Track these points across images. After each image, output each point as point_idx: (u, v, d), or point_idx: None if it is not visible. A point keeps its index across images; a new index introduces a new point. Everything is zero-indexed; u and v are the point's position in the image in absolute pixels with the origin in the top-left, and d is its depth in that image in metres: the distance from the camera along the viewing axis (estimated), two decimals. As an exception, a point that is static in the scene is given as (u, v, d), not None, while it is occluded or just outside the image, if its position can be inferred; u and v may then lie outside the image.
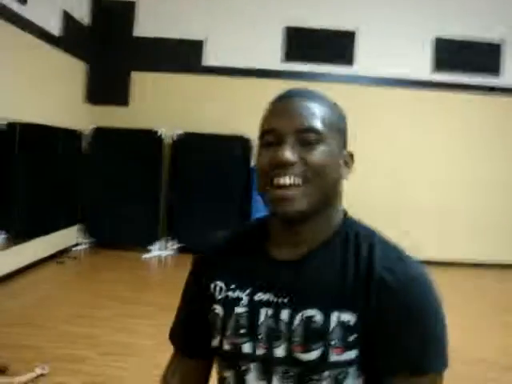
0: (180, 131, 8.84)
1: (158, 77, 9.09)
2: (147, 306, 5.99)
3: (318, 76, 8.82)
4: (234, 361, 1.14)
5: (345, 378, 1.06)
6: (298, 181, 1.07)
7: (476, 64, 9.07)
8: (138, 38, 9.05)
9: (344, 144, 1.18)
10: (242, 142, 8.81)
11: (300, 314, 1.07)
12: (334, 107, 1.17)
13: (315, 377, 1.06)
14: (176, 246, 8.72)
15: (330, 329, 1.05)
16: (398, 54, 9.01)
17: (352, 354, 1.05)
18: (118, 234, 8.69)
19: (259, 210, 8.54)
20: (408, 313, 1.03)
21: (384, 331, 1.03)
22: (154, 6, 9.02)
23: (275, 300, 1.11)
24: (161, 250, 8.64)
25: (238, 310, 1.14)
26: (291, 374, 1.08)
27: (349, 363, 1.05)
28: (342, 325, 1.05)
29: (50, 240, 7.82)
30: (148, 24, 9.04)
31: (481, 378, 4.55)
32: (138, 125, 8.83)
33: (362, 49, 9.02)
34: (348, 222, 1.18)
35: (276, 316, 1.09)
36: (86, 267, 8.02)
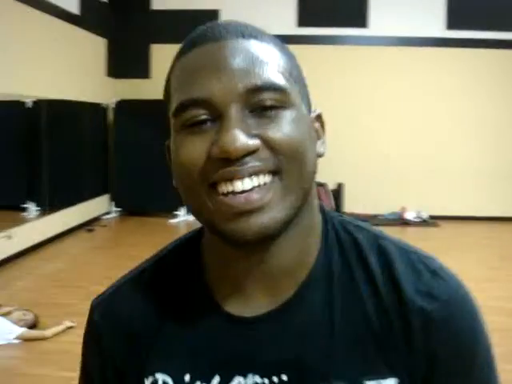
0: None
1: (177, 48, 9.34)
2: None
3: (332, 39, 8.99)
4: None
5: None
6: (268, 177, 0.68)
7: (491, 19, 9.08)
8: (156, 12, 9.32)
9: (309, 103, 0.77)
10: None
11: None
12: (284, 47, 0.76)
13: None
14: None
15: None
16: (410, 12, 9.09)
17: None
18: (145, 202, 9.09)
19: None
20: (463, 354, 0.73)
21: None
22: (169, -21, 9.25)
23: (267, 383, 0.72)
24: (186, 216, 9.02)
25: None
26: None
27: None
28: None
29: (80, 210, 8.25)
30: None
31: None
32: (161, 96, 9.11)
33: (374, 10, 9.13)
34: (331, 221, 0.80)
35: None
36: (114, 234, 8.46)
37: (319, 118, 0.79)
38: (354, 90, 9.13)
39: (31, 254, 6.73)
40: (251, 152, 0.66)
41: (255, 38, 0.72)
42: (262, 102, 0.68)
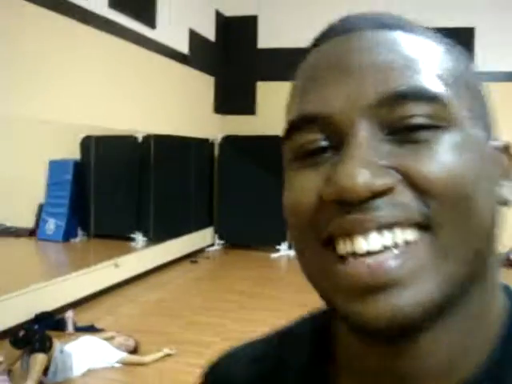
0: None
1: (282, 85, 9.53)
2: (271, 300, 6.42)
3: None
4: None
5: None
6: (409, 233, 0.45)
7: None
8: (261, 50, 9.58)
9: (487, 124, 0.52)
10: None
11: None
12: (449, 43, 0.52)
13: None
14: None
15: None
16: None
17: None
18: (248, 235, 9.23)
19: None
20: None
21: None
22: (274, 18, 9.50)
23: None
24: (288, 250, 9.04)
25: None
26: None
27: None
28: None
29: (184, 241, 8.50)
30: (269, 36, 9.54)
31: None
32: (265, 132, 9.34)
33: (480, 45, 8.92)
34: None
35: None
36: (217, 266, 8.63)
37: (507, 149, 0.52)
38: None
39: (136, 283, 6.99)
40: (382, 193, 0.44)
41: (402, 28, 0.50)
42: (406, 119, 0.45)
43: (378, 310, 0.44)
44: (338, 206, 0.45)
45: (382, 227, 0.45)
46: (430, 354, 0.49)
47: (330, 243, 0.47)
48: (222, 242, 9.42)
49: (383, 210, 0.44)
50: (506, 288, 0.54)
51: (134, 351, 4.55)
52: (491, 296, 0.51)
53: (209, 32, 9.21)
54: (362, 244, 0.45)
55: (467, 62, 0.52)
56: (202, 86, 9.10)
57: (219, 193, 9.45)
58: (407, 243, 0.45)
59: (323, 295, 0.49)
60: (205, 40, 9.03)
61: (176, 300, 6.43)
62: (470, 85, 0.50)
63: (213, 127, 9.38)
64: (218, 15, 9.48)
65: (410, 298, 0.44)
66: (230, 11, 9.63)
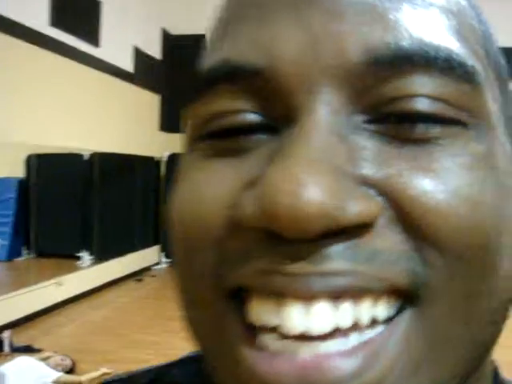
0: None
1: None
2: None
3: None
4: None
5: None
6: (384, 310, 0.26)
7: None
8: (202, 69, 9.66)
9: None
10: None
11: None
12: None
13: None
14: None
15: None
16: None
17: None
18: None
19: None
20: None
21: None
22: (221, 37, 9.60)
23: None
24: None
25: None
26: None
27: None
28: None
29: (130, 259, 8.45)
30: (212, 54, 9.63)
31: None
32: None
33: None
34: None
35: None
36: (162, 284, 8.58)
37: None
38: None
39: (80, 302, 6.91)
40: (350, 230, 0.25)
41: None
42: (409, 100, 0.27)
43: None
44: (265, 238, 0.26)
45: (339, 294, 0.26)
46: None
47: (237, 296, 0.28)
48: (168, 260, 9.40)
49: (347, 260, 0.25)
50: (495, 372, 0.38)
51: (71, 371, 4.50)
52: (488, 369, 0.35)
53: (155, 50, 9.24)
54: (296, 318, 0.26)
55: (492, 34, 0.33)
56: (147, 104, 9.11)
57: (165, 210, 9.44)
58: (376, 323, 0.27)
59: (208, 374, 0.32)
60: (150, 58, 9.06)
61: (118, 319, 6.38)
62: (498, 67, 0.32)
63: (159, 145, 9.39)
64: (165, 33, 9.52)
65: None
66: (176, 30, 9.68)
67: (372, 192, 0.26)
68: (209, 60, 0.31)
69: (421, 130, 0.27)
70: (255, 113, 0.29)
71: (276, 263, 0.25)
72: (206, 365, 0.32)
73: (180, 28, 9.67)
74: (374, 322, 0.26)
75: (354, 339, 0.26)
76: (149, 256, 9.14)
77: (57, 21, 6.24)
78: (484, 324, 0.28)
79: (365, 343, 0.26)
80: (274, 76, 0.27)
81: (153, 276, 8.76)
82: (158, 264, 9.33)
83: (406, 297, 0.26)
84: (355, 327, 0.26)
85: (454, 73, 0.27)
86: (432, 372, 0.27)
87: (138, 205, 8.80)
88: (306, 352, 0.25)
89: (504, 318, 0.30)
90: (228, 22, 0.31)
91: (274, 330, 0.26)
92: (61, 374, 4.38)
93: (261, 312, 0.27)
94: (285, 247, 0.25)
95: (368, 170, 0.26)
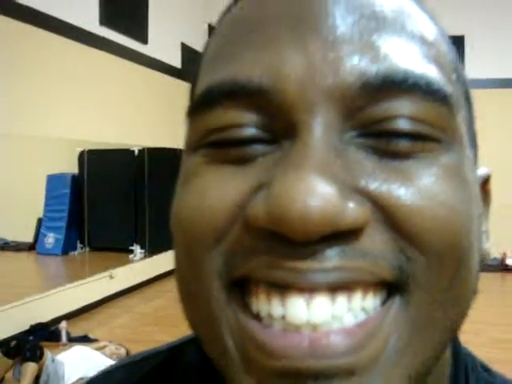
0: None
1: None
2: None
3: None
4: None
5: None
6: (376, 297, 0.31)
7: None
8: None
9: (474, 142, 0.38)
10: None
11: None
12: (432, 15, 0.38)
13: None
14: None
15: None
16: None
17: None
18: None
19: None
20: None
21: None
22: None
23: None
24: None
25: None
26: None
27: None
28: None
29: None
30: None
31: None
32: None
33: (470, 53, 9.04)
34: (464, 364, 0.44)
35: None
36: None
37: (486, 184, 0.41)
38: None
39: (132, 294, 7.09)
40: (346, 233, 0.29)
41: None
42: (394, 122, 0.31)
43: None
44: (270, 236, 0.30)
45: (336, 286, 0.30)
46: None
47: (241, 290, 0.32)
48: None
49: (343, 258, 0.29)
50: (455, 346, 0.44)
51: (125, 359, 4.64)
52: (446, 357, 0.42)
53: (201, 45, 9.30)
54: (300, 310, 0.30)
55: (450, 41, 0.38)
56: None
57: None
58: (368, 311, 0.31)
59: (215, 361, 0.35)
60: (197, 53, 9.16)
61: (169, 311, 6.49)
62: (465, 90, 0.37)
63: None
64: (211, 28, 9.61)
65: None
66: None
67: (364, 200, 0.30)
68: (212, 77, 0.34)
69: (403, 145, 0.31)
70: (257, 127, 0.32)
71: (281, 259, 0.29)
72: (209, 353, 0.36)
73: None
74: (365, 311, 0.32)
75: (349, 321, 0.31)
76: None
77: (106, 20, 6.39)
78: (458, 310, 0.34)
79: (359, 325, 0.31)
80: (278, 95, 0.31)
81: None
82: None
83: (393, 288, 0.31)
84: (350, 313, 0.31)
85: (432, 97, 0.31)
86: (418, 351, 0.31)
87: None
88: (311, 331, 0.30)
89: (469, 307, 0.35)
90: (231, 44, 0.34)
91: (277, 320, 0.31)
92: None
93: (265, 304, 0.31)
94: (289, 246, 0.29)
95: (360, 180, 0.30)
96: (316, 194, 0.28)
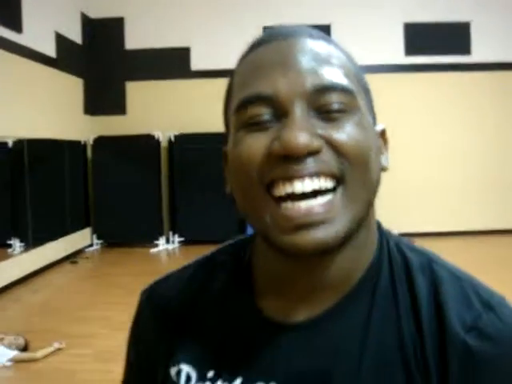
0: (175, 133, 9.56)
1: (151, 84, 9.80)
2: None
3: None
4: None
5: None
6: (330, 182, 0.64)
7: (446, 45, 9.65)
8: (130, 51, 9.76)
9: (373, 114, 0.73)
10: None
11: None
12: (349, 53, 0.73)
13: None
14: (179, 239, 9.49)
15: None
16: (372, 41, 9.62)
17: None
18: (126, 233, 9.40)
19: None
20: None
21: None
22: (141, 19, 9.70)
23: None
24: (166, 244, 9.33)
25: None
26: None
27: None
28: None
29: (62, 243, 8.55)
30: (137, 37, 9.76)
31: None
32: (137, 131, 9.53)
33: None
34: (387, 239, 0.75)
35: None
36: (97, 264, 8.75)
37: (383, 133, 0.74)
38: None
39: (17, 287, 7.01)
40: (314, 152, 0.62)
41: (323, 39, 0.69)
42: (329, 104, 0.64)
43: (308, 241, 0.62)
44: (282, 160, 0.62)
45: (312, 175, 0.62)
46: (334, 268, 0.68)
47: (271, 190, 0.64)
48: (100, 241, 9.53)
49: (313, 163, 0.62)
50: (378, 223, 0.76)
51: (25, 349, 4.68)
52: (371, 229, 0.73)
53: (75, 34, 9.25)
54: (299, 186, 0.62)
55: (359, 68, 0.72)
56: (71, 88, 9.14)
57: (95, 193, 9.53)
58: (329, 189, 0.63)
59: (260, 229, 0.67)
60: (72, 42, 9.08)
61: (59, 299, 6.54)
62: (362, 82, 0.71)
63: (84, 129, 9.45)
64: (84, 17, 9.54)
65: (331, 232, 0.62)
66: (95, 13, 9.71)
67: (319, 139, 0.63)
68: (245, 92, 0.67)
69: (335, 115, 0.65)
70: (269, 114, 0.65)
71: (288, 167, 0.63)
72: (259, 225, 0.67)
73: (98, 12, 9.70)
74: (327, 191, 0.64)
75: (321, 200, 0.63)
76: (81, 239, 9.24)
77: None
78: (370, 190, 0.67)
79: (325, 203, 0.63)
80: (277, 98, 0.64)
81: (87, 258, 8.89)
82: (90, 246, 9.44)
83: (337, 180, 0.64)
84: (319, 193, 0.63)
85: (344, 91, 0.65)
86: (353, 211, 0.65)
87: (67, 189, 8.84)
88: (303, 205, 0.63)
89: (377, 189, 0.68)
90: (250, 76, 0.68)
91: (289, 197, 0.63)
92: (15, 352, 4.56)
93: (283, 188, 0.63)
94: (290, 161, 0.62)
95: (318, 130, 0.64)
96: (302, 135, 0.61)
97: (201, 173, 9.37)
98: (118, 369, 4.28)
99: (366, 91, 0.71)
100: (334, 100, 0.64)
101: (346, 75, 0.66)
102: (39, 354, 4.59)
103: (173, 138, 9.56)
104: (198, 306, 0.76)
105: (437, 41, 9.60)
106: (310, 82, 0.64)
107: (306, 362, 0.67)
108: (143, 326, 0.82)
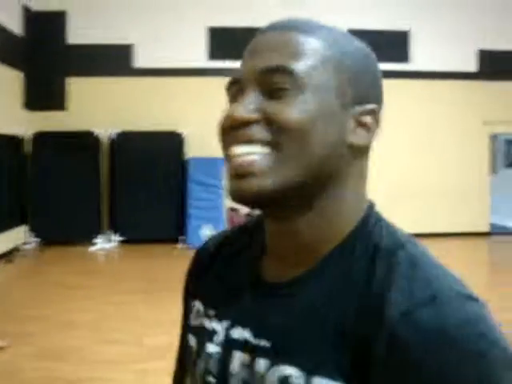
0: (116, 131, 9.44)
1: (92, 81, 9.65)
2: (90, 289, 6.69)
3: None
4: None
5: None
6: (261, 148, 0.73)
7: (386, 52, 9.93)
8: (71, 46, 9.58)
9: (358, 95, 0.77)
10: (173, 137, 9.53)
11: (276, 370, 0.73)
12: (341, 42, 0.78)
13: None
14: (118, 238, 9.34)
15: None
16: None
17: None
18: (63, 231, 9.21)
19: (195, 200, 9.22)
20: None
21: None
22: (84, 14, 9.55)
23: (254, 342, 0.78)
24: (105, 243, 9.19)
25: (210, 348, 0.83)
26: None
27: None
28: None
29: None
30: (80, 32, 9.60)
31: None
32: (76, 127, 9.38)
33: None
34: (368, 223, 0.78)
35: (251, 366, 0.77)
36: (34, 263, 8.53)
37: (373, 112, 0.78)
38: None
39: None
40: (251, 123, 0.73)
41: (298, 30, 0.77)
42: (272, 84, 0.73)
43: (244, 188, 0.73)
44: (230, 129, 0.74)
45: (246, 142, 0.73)
46: (304, 231, 0.77)
47: (228, 151, 0.76)
48: (37, 239, 9.29)
49: (248, 132, 0.73)
50: (370, 206, 0.80)
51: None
52: (341, 201, 0.78)
53: (16, 26, 9.01)
54: (234, 150, 0.74)
55: (356, 53, 0.78)
56: (9, 81, 8.90)
57: (31, 190, 9.29)
58: (260, 154, 0.73)
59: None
60: (12, 34, 8.84)
61: (-2, 297, 6.36)
62: (343, 65, 0.76)
63: (23, 123, 9.21)
64: (26, 10, 9.30)
65: (256, 183, 0.73)
66: (37, 6, 9.49)
67: (260, 113, 0.73)
68: (230, 76, 0.80)
69: (278, 93, 0.73)
70: (240, 90, 0.77)
71: (231, 135, 0.75)
72: None
73: (41, 4, 9.48)
74: (262, 153, 0.73)
75: (249, 158, 0.73)
76: (16, 236, 8.99)
77: None
78: (312, 162, 0.73)
79: (258, 159, 0.73)
80: (242, 80, 0.76)
81: (23, 256, 8.66)
82: (26, 244, 9.19)
83: (271, 146, 0.72)
84: (254, 154, 0.73)
85: (286, 72, 0.73)
86: (283, 173, 0.73)
87: (2, 184, 8.58)
88: (242, 159, 0.73)
89: (317, 162, 0.73)
90: (242, 59, 0.80)
91: (234, 156, 0.74)
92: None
93: (231, 150, 0.75)
94: (233, 130, 0.74)
95: (262, 105, 0.73)
96: (237, 110, 0.73)
97: (142, 171, 9.30)
98: (62, 366, 4.28)
99: (346, 75, 0.76)
100: (276, 80, 0.73)
101: (302, 58, 0.74)
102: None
103: (114, 136, 9.45)
104: (219, 257, 0.92)
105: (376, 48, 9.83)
106: (259, 66, 0.74)
107: (280, 319, 0.75)
108: (187, 273, 0.98)
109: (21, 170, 9.20)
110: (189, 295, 0.95)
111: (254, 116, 0.73)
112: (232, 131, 0.74)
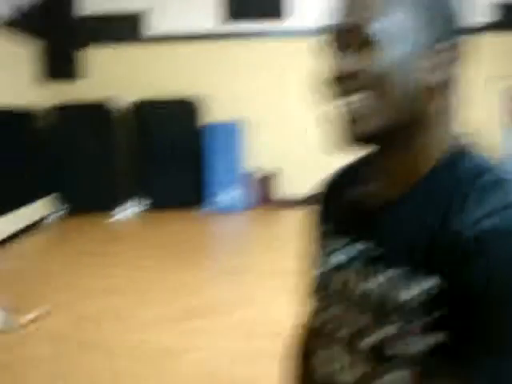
0: (132, 99, 9.50)
1: (106, 50, 9.67)
2: (116, 256, 6.86)
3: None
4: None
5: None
6: (365, 96, 0.84)
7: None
8: (83, 16, 9.56)
9: (435, 36, 0.84)
10: (188, 104, 9.54)
11: (385, 273, 0.87)
12: None
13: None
14: (140, 206, 9.50)
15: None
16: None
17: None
18: (87, 201, 9.35)
19: (214, 169, 9.28)
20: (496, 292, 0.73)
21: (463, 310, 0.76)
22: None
23: (370, 253, 0.91)
24: (127, 211, 9.36)
25: (334, 260, 0.99)
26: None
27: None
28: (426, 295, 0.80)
29: (27, 212, 8.49)
30: (92, 1, 9.58)
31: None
32: (91, 97, 9.39)
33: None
34: (454, 154, 0.87)
35: (366, 273, 0.91)
36: (61, 232, 8.63)
37: (450, 47, 0.84)
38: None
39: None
40: (355, 74, 0.83)
41: None
42: (365, 36, 0.82)
43: (356, 130, 0.85)
44: (336, 82, 0.86)
45: (356, 91, 0.83)
46: (390, 161, 0.90)
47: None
48: (63, 209, 9.36)
49: (356, 82, 0.83)
50: (456, 136, 0.89)
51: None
52: (427, 137, 0.87)
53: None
54: (349, 98, 0.84)
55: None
56: (21, 53, 8.85)
57: (53, 162, 9.36)
58: (366, 101, 0.83)
59: None
60: (22, 6, 8.78)
61: (31, 268, 6.51)
62: (416, 10, 0.83)
63: (38, 96, 9.20)
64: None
65: (360, 127, 0.84)
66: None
67: (357, 64, 0.85)
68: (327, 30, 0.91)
69: (370, 45, 0.83)
70: (338, 42, 0.89)
71: (340, 86, 0.87)
72: None
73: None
74: (357, 101, 0.85)
75: (356, 105, 0.86)
76: (45, 207, 9.11)
77: None
78: (394, 104, 0.84)
79: (361, 105, 0.85)
80: (339, 34, 0.89)
81: (50, 226, 8.86)
82: (53, 214, 9.30)
83: (372, 93, 0.84)
84: (354, 103, 0.86)
85: (362, 32, 0.84)
86: (376, 117, 0.85)
87: (25, 157, 8.55)
88: (351, 107, 0.88)
89: (410, 105, 0.85)
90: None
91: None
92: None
93: (342, 99, 0.88)
94: (341, 81, 0.87)
95: (359, 56, 0.85)
96: (344, 64, 0.85)
97: (159, 139, 9.35)
98: (102, 330, 4.30)
99: (425, 13, 0.83)
100: (367, 32, 0.82)
101: (387, 11, 0.82)
102: (25, 318, 4.65)
103: (128, 105, 9.51)
104: (338, 186, 1.07)
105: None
106: (352, 22, 0.83)
107: (391, 233, 0.88)
108: (319, 201, 1.12)
109: (42, 142, 9.22)
110: (321, 219, 1.08)
111: (357, 67, 0.83)
112: (339, 82, 0.84)
